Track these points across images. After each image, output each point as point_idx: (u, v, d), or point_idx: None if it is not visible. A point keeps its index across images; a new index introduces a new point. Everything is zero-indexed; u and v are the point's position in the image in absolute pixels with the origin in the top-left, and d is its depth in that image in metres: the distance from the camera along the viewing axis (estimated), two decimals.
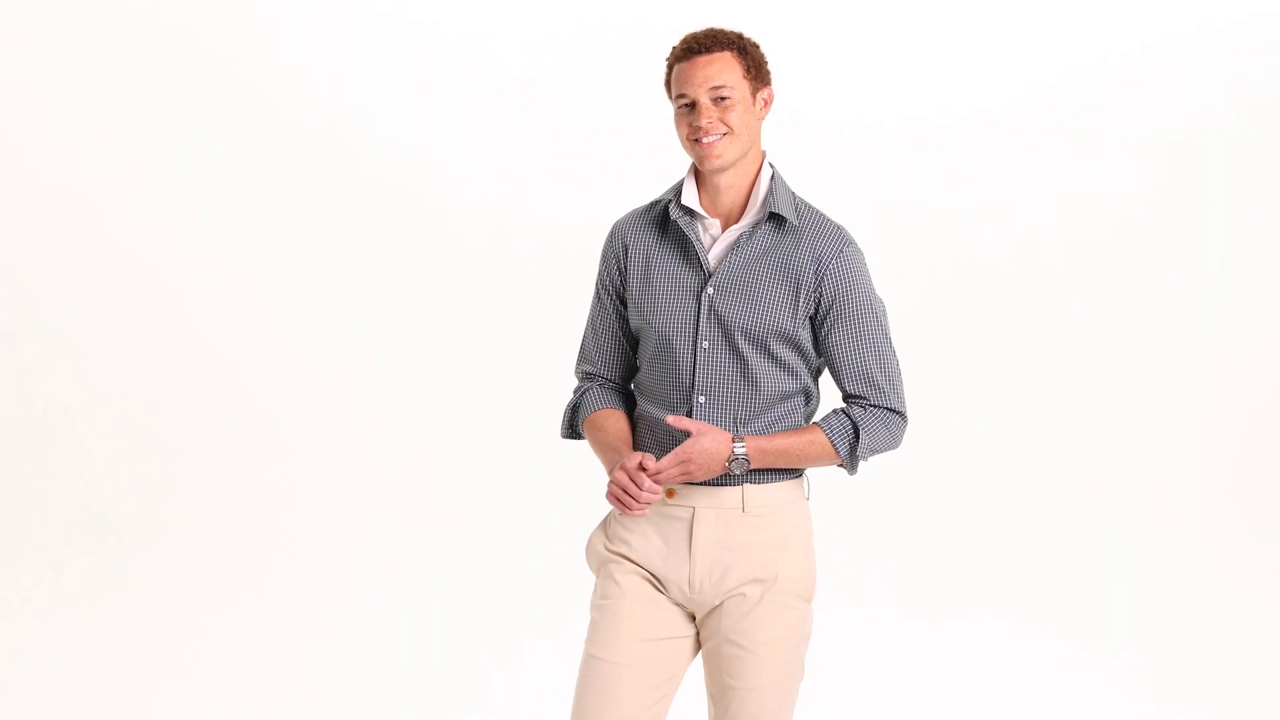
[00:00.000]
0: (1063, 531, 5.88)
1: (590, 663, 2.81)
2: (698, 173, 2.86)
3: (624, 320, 2.92)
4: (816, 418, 3.01)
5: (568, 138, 5.96)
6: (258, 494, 5.94)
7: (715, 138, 2.77)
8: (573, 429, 2.96)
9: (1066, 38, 6.16)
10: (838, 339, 2.95)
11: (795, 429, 2.92)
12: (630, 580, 2.82)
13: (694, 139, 2.79)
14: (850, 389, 2.98)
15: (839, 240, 3.05)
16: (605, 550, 2.87)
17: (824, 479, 6.23)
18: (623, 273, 2.88)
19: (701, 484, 2.81)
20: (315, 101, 6.06)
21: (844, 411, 2.95)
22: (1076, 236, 6.17)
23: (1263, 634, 5.27)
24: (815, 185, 6.19)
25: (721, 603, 2.84)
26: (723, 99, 2.79)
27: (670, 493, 2.81)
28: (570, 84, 5.93)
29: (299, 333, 6.06)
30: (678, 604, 2.85)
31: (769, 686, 2.84)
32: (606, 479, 2.83)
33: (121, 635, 5.21)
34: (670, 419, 2.76)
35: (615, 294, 2.91)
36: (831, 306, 2.93)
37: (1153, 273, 6.18)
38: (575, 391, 2.95)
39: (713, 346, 2.81)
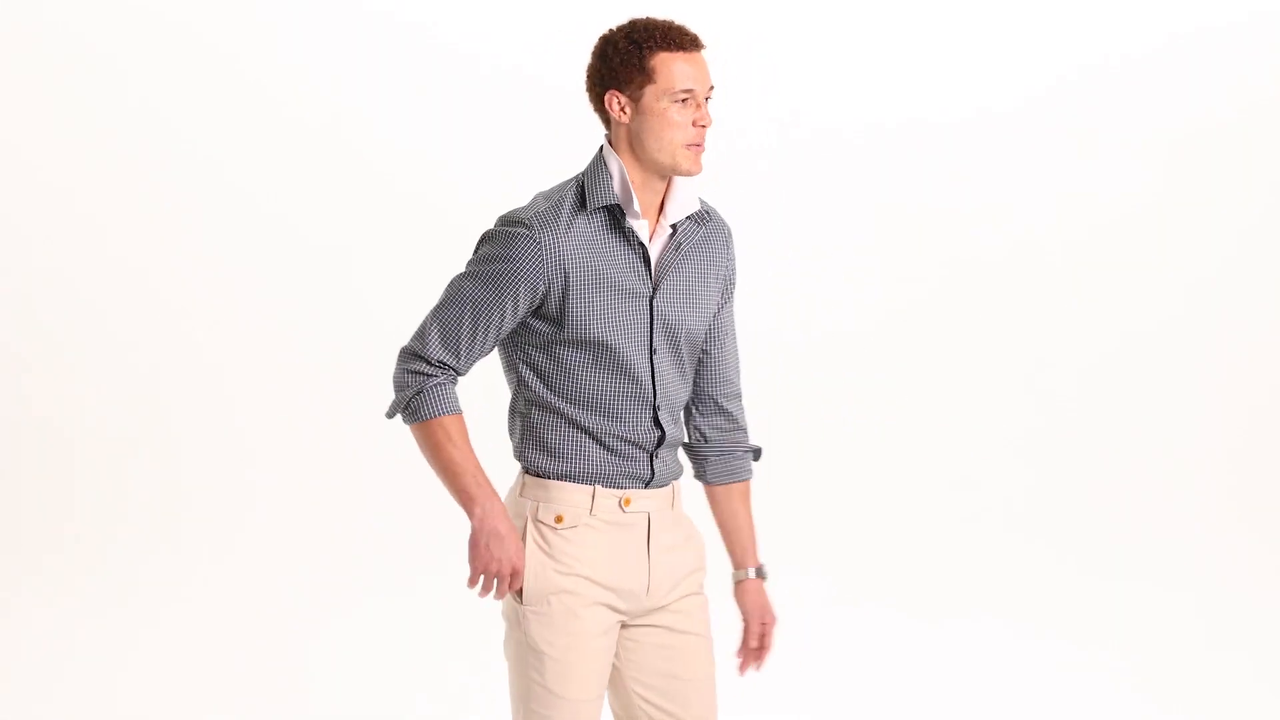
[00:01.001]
0: (1063, 531, 5.88)
1: (562, 705, 2.65)
2: (628, 172, 2.66)
3: (509, 327, 2.71)
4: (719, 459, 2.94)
5: (568, 138, 5.95)
6: (257, 494, 5.94)
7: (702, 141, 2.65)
8: (410, 413, 2.68)
9: (1066, 38, 6.16)
10: (721, 338, 2.84)
11: (746, 506, 3.05)
12: (592, 613, 2.65)
13: (694, 142, 2.63)
14: (724, 404, 2.88)
15: (726, 227, 2.83)
16: (556, 575, 2.66)
17: (824, 479, 6.24)
18: (558, 297, 2.63)
19: (655, 488, 2.74)
20: (315, 101, 6.05)
21: (744, 453, 2.96)
22: (1076, 236, 6.17)
23: (1263, 634, 5.27)
24: (815, 185, 6.21)
25: (671, 601, 2.75)
26: (707, 100, 2.68)
27: (627, 500, 2.70)
28: (570, 84, 5.92)
29: (299, 333, 6.06)
30: (618, 614, 2.71)
31: (713, 672, 2.80)
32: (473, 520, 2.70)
33: (121, 635, 5.21)
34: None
35: (525, 308, 2.66)
36: (725, 303, 2.83)
37: (1153, 273, 6.18)
38: (421, 374, 2.68)
39: (660, 355, 2.70)
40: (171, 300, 6.07)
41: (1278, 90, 6.16)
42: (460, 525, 5.84)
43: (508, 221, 2.69)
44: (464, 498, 2.69)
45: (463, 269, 2.72)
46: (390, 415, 2.74)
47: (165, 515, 5.89)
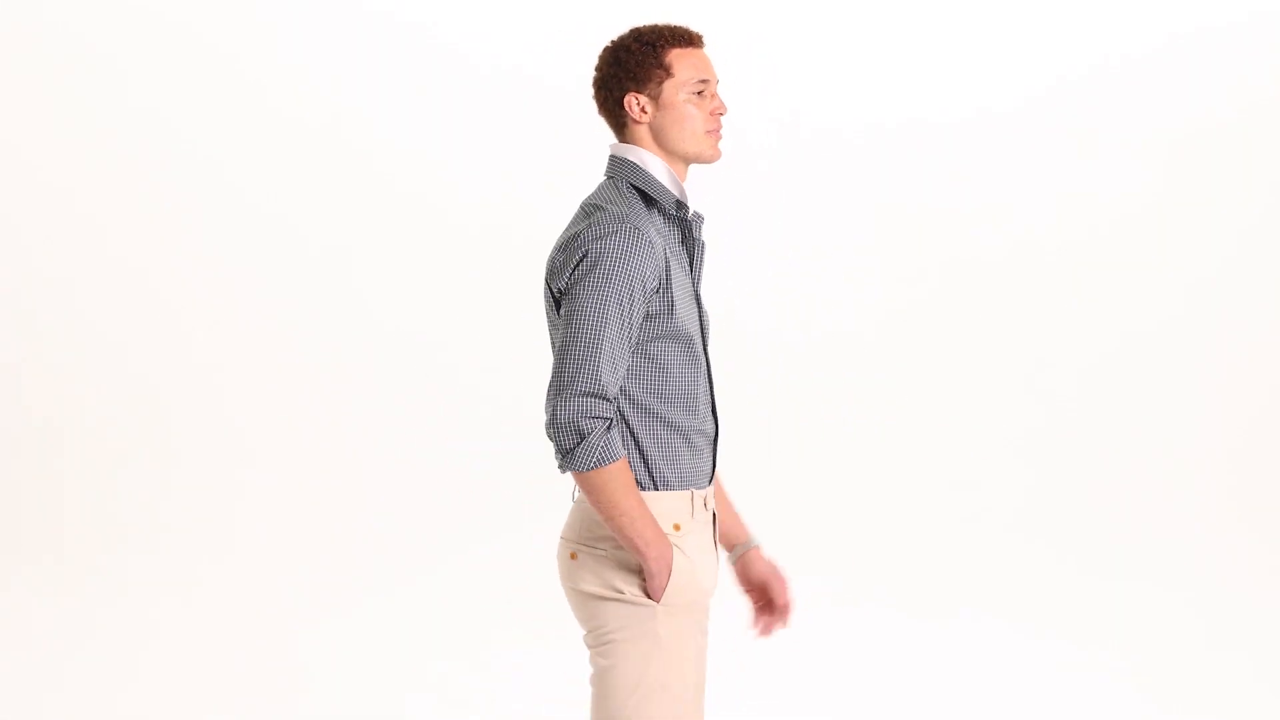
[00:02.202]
0: (1063, 531, 5.88)
1: (686, 708, 2.66)
2: (668, 168, 2.71)
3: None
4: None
5: (568, 138, 5.96)
6: (257, 493, 5.94)
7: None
8: (601, 458, 2.53)
9: (1066, 38, 6.16)
10: None
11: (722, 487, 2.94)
12: (705, 618, 2.72)
13: (713, 129, 2.70)
14: None
15: None
16: (693, 580, 2.65)
17: (825, 479, 6.24)
18: (664, 290, 2.61)
19: (711, 484, 2.75)
20: (315, 101, 6.06)
21: None
22: (1076, 236, 6.18)
23: (1263, 634, 5.27)
24: (815, 185, 6.22)
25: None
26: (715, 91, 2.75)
27: (705, 499, 2.72)
28: (570, 84, 5.93)
29: (299, 332, 6.06)
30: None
31: None
32: (656, 547, 2.57)
33: (118, 635, 5.22)
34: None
35: (644, 307, 2.60)
36: None
37: (1153, 273, 6.18)
38: (603, 417, 2.54)
39: (708, 346, 2.78)
40: (171, 300, 6.07)
41: (1278, 90, 6.17)
42: (461, 526, 5.84)
43: (611, 228, 2.58)
44: (653, 535, 2.59)
45: (578, 293, 2.56)
46: (575, 467, 2.54)
47: (164, 515, 5.89)
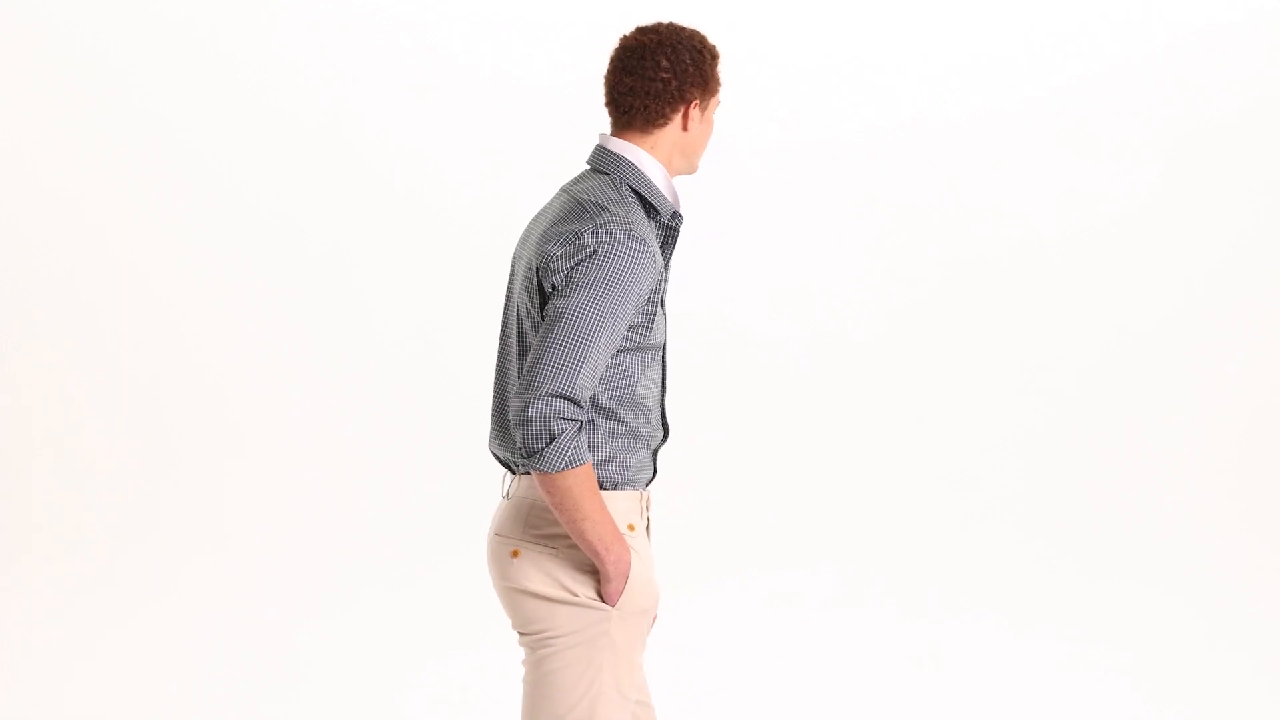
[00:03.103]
0: (1063, 531, 5.88)
1: (624, 706, 2.63)
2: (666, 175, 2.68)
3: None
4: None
5: (568, 138, 5.96)
6: (256, 494, 5.94)
7: None
8: (571, 460, 2.47)
9: (1067, 38, 6.16)
10: None
11: None
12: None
13: None
14: None
15: None
16: (647, 582, 2.64)
17: (825, 479, 6.25)
18: (651, 303, 2.57)
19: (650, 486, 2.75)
20: (315, 101, 6.06)
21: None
22: (1076, 236, 6.18)
23: (1263, 634, 5.27)
24: (815, 186, 6.22)
25: None
26: None
27: (648, 501, 2.72)
28: (570, 85, 5.94)
29: (298, 332, 6.06)
30: None
31: None
32: (614, 546, 2.53)
33: (121, 636, 5.22)
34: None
35: (629, 323, 2.56)
36: None
37: (1153, 273, 6.18)
38: (573, 419, 2.47)
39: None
40: (169, 299, 6.07)
41: (1278, 90, 6.17)
42: (461, 525, 5.85)
43: (620, 235, 2.51)
44: (612, 538, 2.53)
45: (574, 293, 2.48)
46: (543, 468, 2.47)
47: (163, 514, 5.89)
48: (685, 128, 2.65)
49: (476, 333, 5.96)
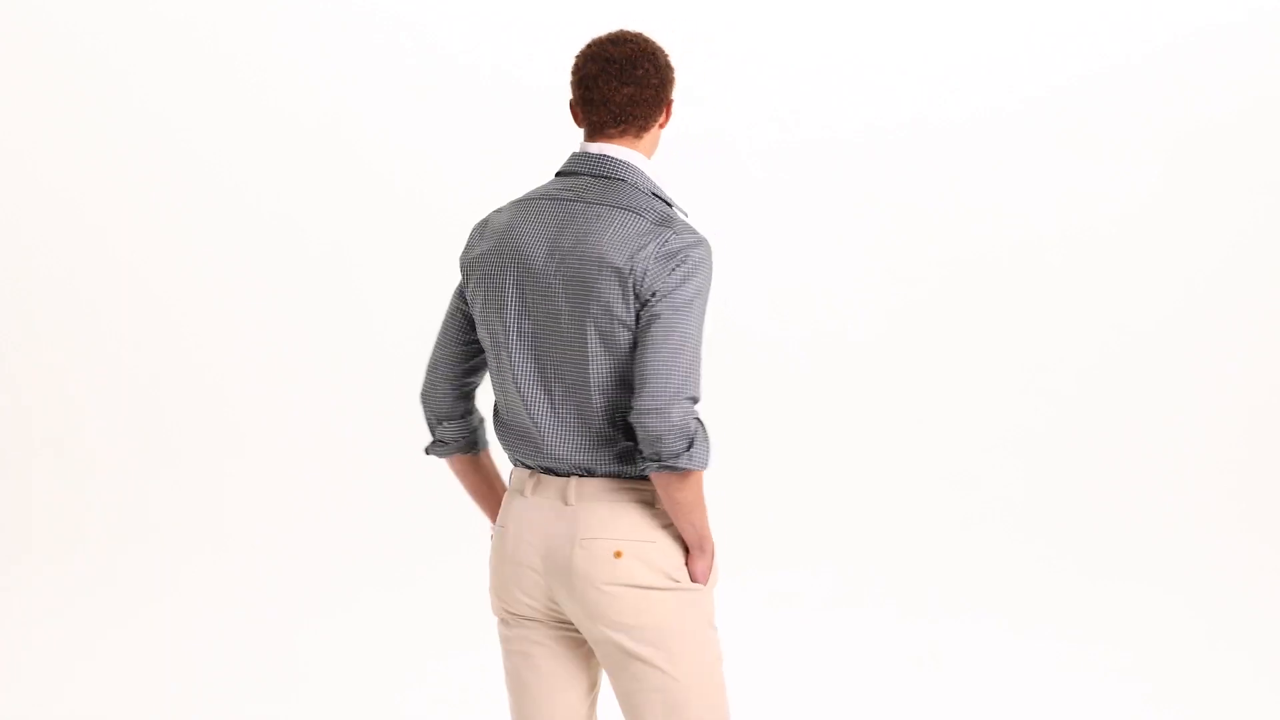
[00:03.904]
0: (1063, 531, 5.88)
1: None
2: None
3: None
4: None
5: (568, 138, 5.96)
6: (256, 494, 5.94)
7: None
8: (703, 460, 2.66)
9: (1067, 38, 6.16)
10: None
11: None
12: None
13: None
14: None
15: None
16: None
17: (825, 479, 6.24)
18: None
19: None
20: (315, 101, 6.06)
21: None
22: (1076, 236, 6.18)
23: (1263, 634, 5.27)
24: (815, 186, 6.22)
25: None
26: None
27: None
28: (570, 85, 5.94)
29: (298, 332, 6.06)
30: None
31: None
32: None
33: (121, 636, 5.22)
34: None
35: None
36: None
37: (1153, 273, 6.18)
38: (700, 424, 2.66)
39: None
40: (169, 299, 6.08)
41: (1278, 90, 6.17)
42: (461, 525, 5.85)
43: (698, 240, 2.65)
44: (706, 529, 2.72)
45: (681, 301, 2.60)
46: (696, 466, 2.62)
47: (162, 514, 5.89)
48: (662, 126, 2.79)
49: None
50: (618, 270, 2.61)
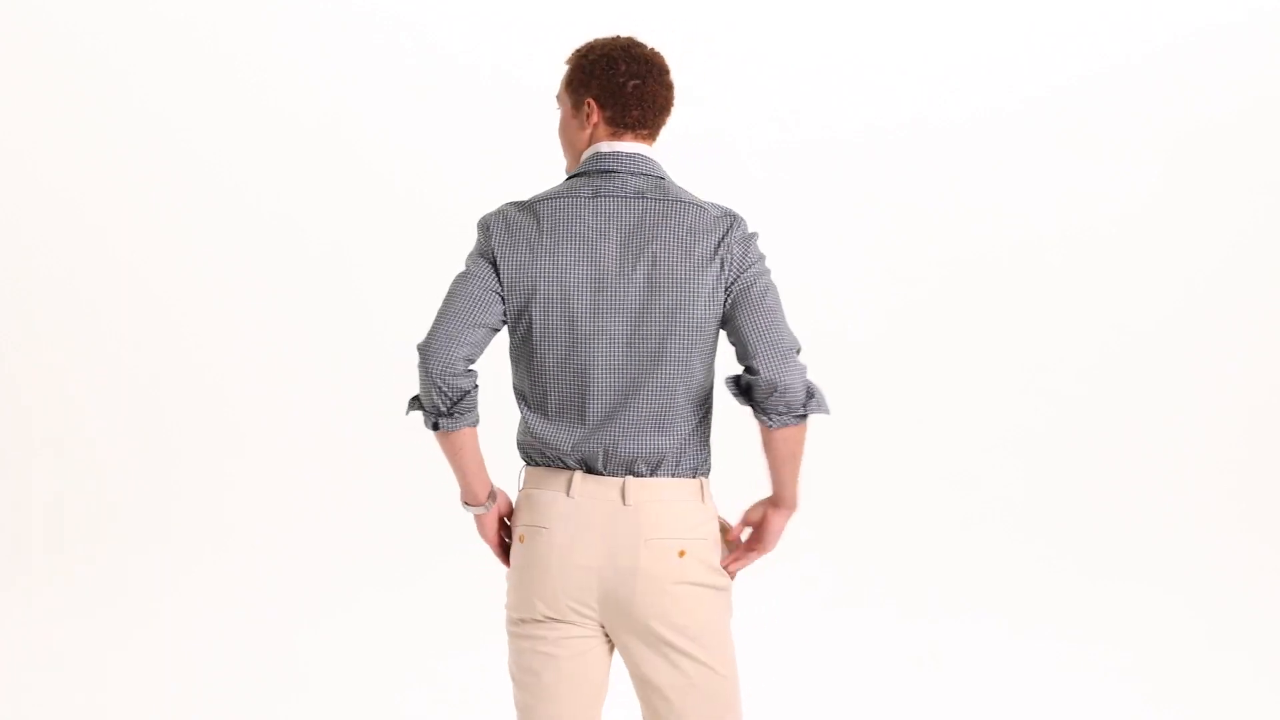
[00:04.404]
0: (1063, 531, 5.88)
1: None
2: None
3: None
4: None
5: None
6: (256, 494, 5.94)
7: None
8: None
9: (1067, 38, 6.16)
10: None
11: None
12: None
13: None
14: None
15: None
16: None
17: (824, 479, 6.24)
18: None
19: None
20: (315, 101, 6.06)
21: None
22: (1076, 236, 6.18)
23: (1263, 634, 5.27)
24: (815, 186, 6.22)
25: None
26: None
27: None
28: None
29: (298, 332, 6.06)
30: None
31: None
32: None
33: (121, 636, 5.22)
34: None
35: None
36: None
37: (1153, 273, 6.18)
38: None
39: None
40: (169, 299, 6.07)
41: (1278, 90, 6.17)
42: (461, 525, 5.83)
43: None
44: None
45: (763, 272, 2.77)
46: (825, 409, 2.87)
47: (161, 514, 5.89)
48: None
49: None
50: (706, 259, 2.69)
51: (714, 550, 2.78)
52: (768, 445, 2.84)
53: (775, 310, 2.73)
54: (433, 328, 2.79)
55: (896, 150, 6.13)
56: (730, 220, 2.75)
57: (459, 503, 2.93)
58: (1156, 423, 6.12)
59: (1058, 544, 5.82)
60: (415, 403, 2.88)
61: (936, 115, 6.14)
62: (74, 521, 5.91)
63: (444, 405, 2.78)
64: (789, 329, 2.75)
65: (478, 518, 2.92)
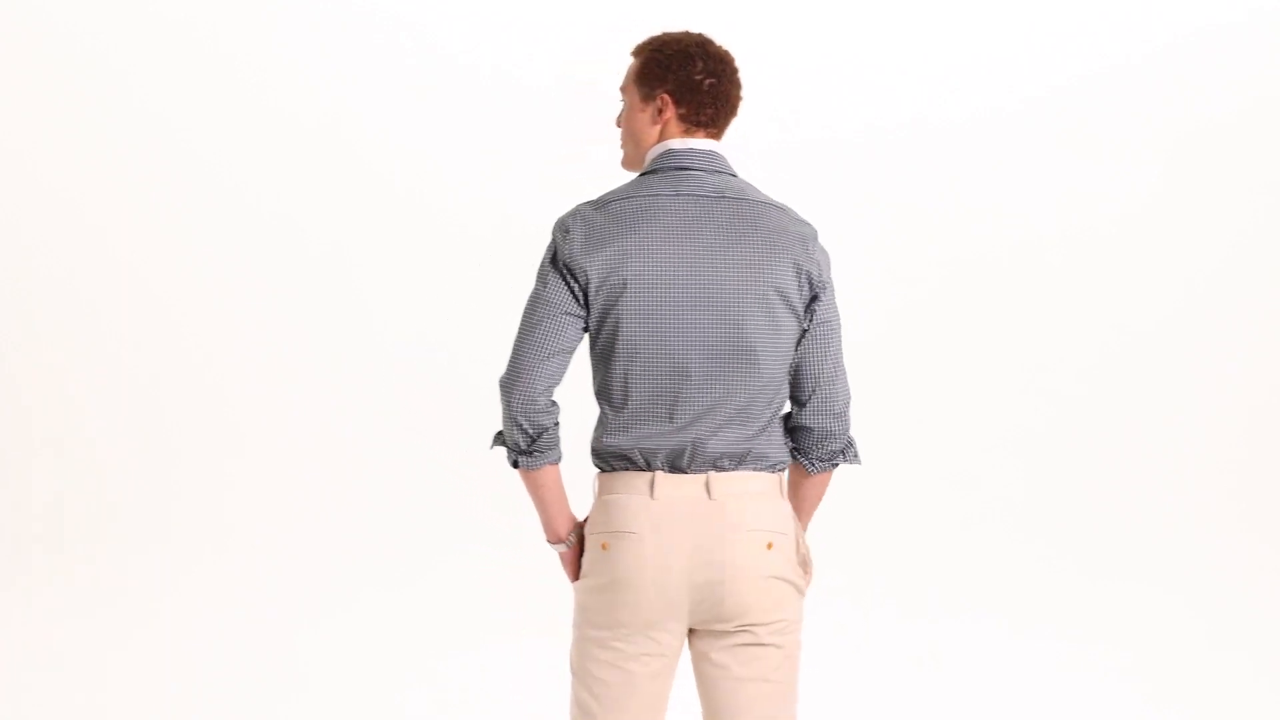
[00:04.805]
0: (1063, 531, 5.88)
1: None
2: None
3: None
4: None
5: (569, 138, 5.96)
6: (259, 494, 5.94)
7: None
8: None
9: (1067, 38, 6.16)
10: None
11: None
12: None
13: None
14: None
15: None
16: None
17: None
18: None
19: None
20: (315, 101, 6.06)
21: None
22: (1076, 236, 6.18)
23: (1263, 634, 5.27)
24: (815, 186, 6.21)
25: None
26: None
27: None
28: (570, 85, 5.94)
29: (298, 332, 6.06)
30: None
31: None
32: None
33: (121, 636, 5.22)
34: None
35: None
36: None
37: (1153, 273, 6.18)
38: None
39: None
40: (169, 299, 6.07)
41: (1278, 90, 6.17)
42: (461, 525, 5.82)
43: None
44: None
45: (833, 302, 2.78)
46: (859, 459, 2.93)
47: (161, 514, 5.89)
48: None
49: (476, 332, 5.96)
50: (795, 264, 2.69)
51: (795, 547, 2.80)
52: (797, 485, 2.88)
53: (839, 358, 2.77)
54: (512, 361, 2.71)
55: (896, 150, 6.13)
56: (811, 230, 2.77)
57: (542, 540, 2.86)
58: (1156, 423, 6.12)
59: (1058, 544, 5.82)
60: (499, 438, 2.80)
61: (936, 115, 6.14)
62: (74, 521, 5.91)
63: (524, 443, 2.71)
64: (846, 378, 2.78)
65: (560, 554, 2.83)
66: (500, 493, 5.78)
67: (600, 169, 5.98)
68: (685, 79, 2.75)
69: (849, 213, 6.17)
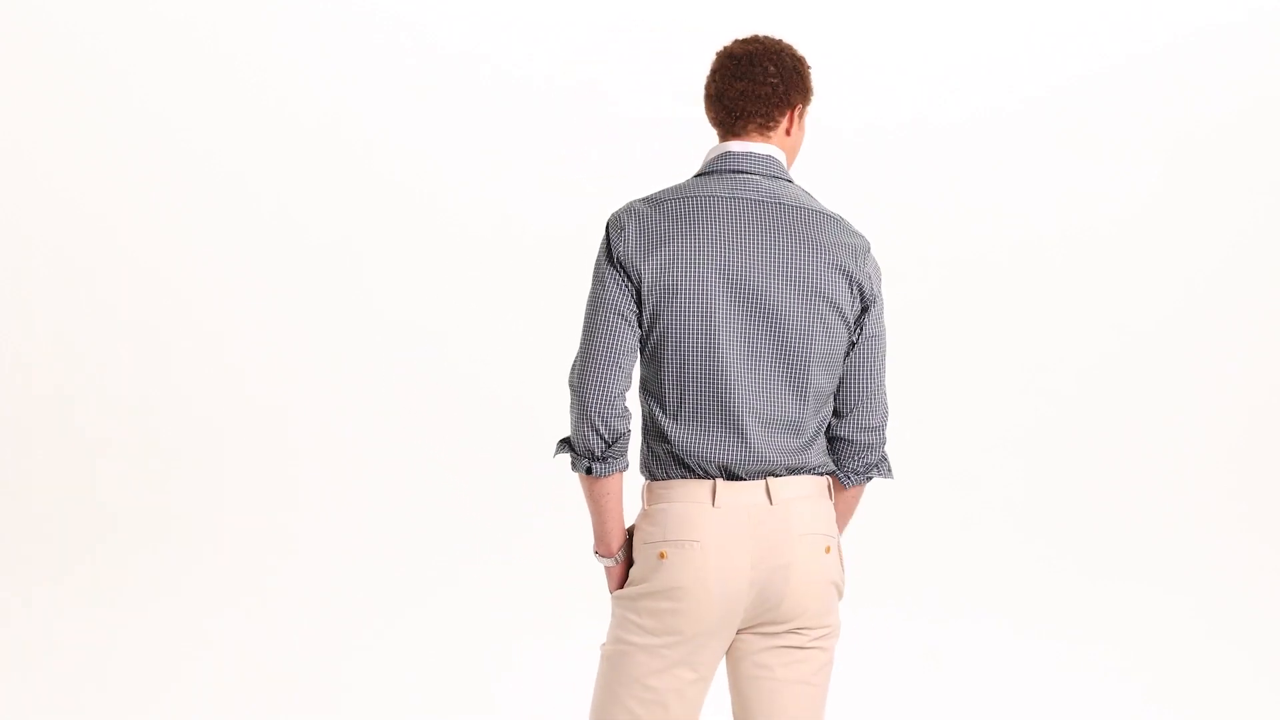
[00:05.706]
0: (1063, 531, 5.88)
1: None
2: None
3: None
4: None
5: (569, 138, 5.96)
6: (259, 494, 5.94)
7: None
8: None
9: (1067, 38, 6.16)
10: None
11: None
12: None
13: None
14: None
15: None
16: None
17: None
18: None
19: None
20: (315, 101, 6.06)
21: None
22: (1076, 236, 6.18)
23: (1263, 634, 5.27)
24: (814, 186, 6.20)
25: None
26: None
27: None
28: (570, 85, 5.94)
29: (299, 332, 6.06)
30: None
31: None
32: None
33: (121, 636, 5.21)
34: None
35: None
36: None
37: (1153, 273, 6.18)
38: None
39: None
40: (169, 298, 6.07)
41: (1278, 90, 6.17)
42: (462, 526, 5.83)
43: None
44: None
45: (881, 314, 2.85)
46: (892, 475, 2.93)
47: (167, 516, 5.89)
48: (789, 133, 2.90)
49: (476, 332, 5.96)
50: (848, 275, 2.77)
51: (841, 550, 2.81)
52: (834, 497, 2.84)
53: (882, 373, 2.80)
54: (581, 365, 2.66)
55: (896, 150, 6.13)
56: (865, 242, 2.81)
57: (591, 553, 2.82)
58: (1156, 423, 6.12)
59: (1058, 544, 5.82)
60: (565, 445, 2.73)
61: (936, 115, 6.14)
62: (74, 521, 5.90)
63: (599, 448, 2.66)
64: (885, 394, 2.81)
65: (607, 569, 2.78)
66: (500, 493, 5.79)
67: (601, 169, 6.02)
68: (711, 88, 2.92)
69: (849, 213, 6.13)
